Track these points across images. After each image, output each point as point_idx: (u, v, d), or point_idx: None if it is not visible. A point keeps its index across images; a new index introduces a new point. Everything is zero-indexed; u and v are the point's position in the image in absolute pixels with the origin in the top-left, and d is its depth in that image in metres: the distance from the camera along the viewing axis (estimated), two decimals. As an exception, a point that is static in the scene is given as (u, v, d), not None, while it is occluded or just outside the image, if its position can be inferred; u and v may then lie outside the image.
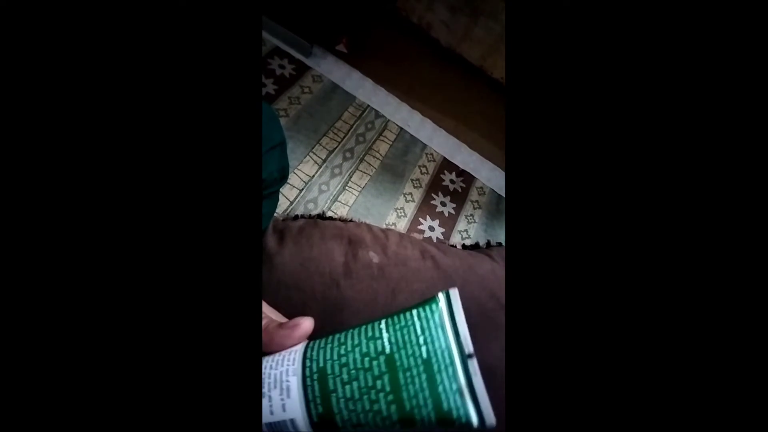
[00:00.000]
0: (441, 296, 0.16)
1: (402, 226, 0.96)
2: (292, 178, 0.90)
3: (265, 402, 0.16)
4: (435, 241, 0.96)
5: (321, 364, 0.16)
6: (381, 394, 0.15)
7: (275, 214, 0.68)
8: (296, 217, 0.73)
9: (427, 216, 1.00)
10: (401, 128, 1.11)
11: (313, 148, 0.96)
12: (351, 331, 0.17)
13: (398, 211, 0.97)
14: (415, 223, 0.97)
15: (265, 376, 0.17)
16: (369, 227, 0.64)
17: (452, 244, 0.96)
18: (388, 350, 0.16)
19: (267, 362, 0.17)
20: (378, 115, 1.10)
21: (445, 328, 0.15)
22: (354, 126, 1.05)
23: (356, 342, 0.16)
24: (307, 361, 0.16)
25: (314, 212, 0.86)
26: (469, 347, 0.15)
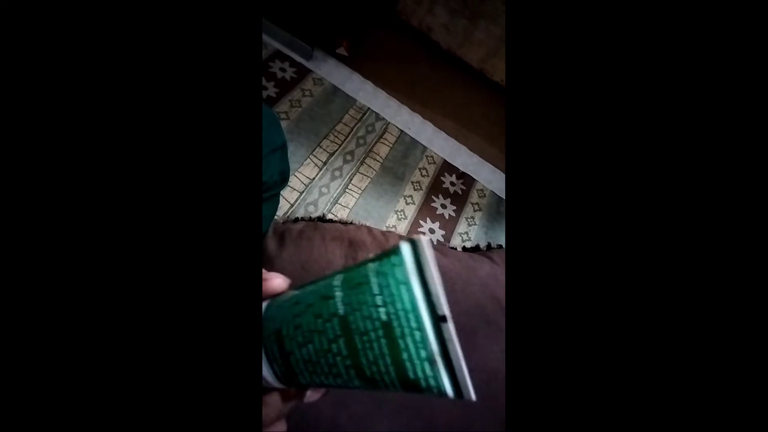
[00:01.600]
0: (405, 247, 0.13)
1: (402, 228, 0.96)
2: (293, 181, 0.90)
3: None
4: (435, 243, 0.96)
5: (277, 325, 0.15)
6: (338, 358, 0.14)
7: (275, 217, 0.68)
8: (296, 220, 0.73)
9: (428, 218, 1.00)
10: (402, 131, 1.11)
11: (313, 150, 0.96)
12: (307, 287, 0.16)
13: (399, 213, 0.97)
14: (415, 225, 0.97)
15: None
16: (369, 230, 0.64)
17: (453, 246, 0.96)
18: (341, 311, 0.14)
19: None
20: (378, 117, 1.10)
21: (410, 285, 0.13)
22: (354, 129, 1.05)
23: (309, 301, 0.15)
24: (265, 321, 0.16)
25: (314, 215, 0.86)
26: (442, 308, 0.12)
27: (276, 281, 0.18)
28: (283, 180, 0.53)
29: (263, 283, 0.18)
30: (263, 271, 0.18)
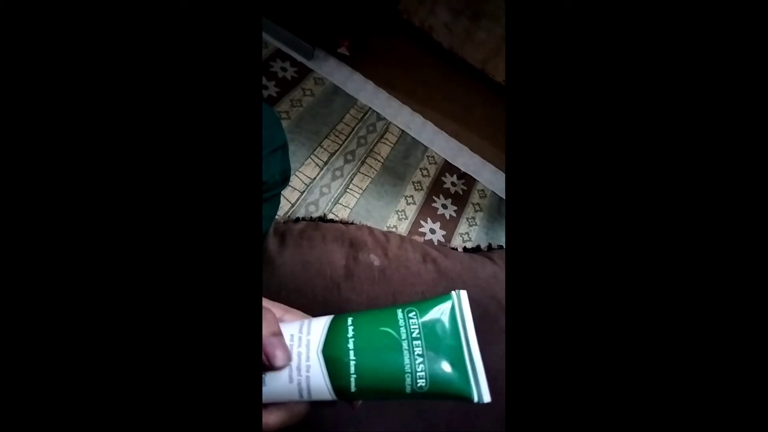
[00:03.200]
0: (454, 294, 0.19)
1: (403, 228, 0.95)
2: (294, 181, 0.90)
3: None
4: (436, 243, 0.96)
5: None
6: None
7: (276, 217, 0.68)
8: (297, 220, 0.73)
9: (429, 218, 1.00)
10: (403, 131, 1.11)
11: (314, 150, 0.96)
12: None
13: (399, 213, 0.97)
14: (416, 225, 0.97)
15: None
16: (370, 230, 0.64)
17: (453, 246, 0.96)
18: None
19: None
20: (379, 117, 1.10)
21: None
22: (355, 128, 1.05)
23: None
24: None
25: (315, 215, 0.86)
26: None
27: (278, 357, 0.18)
28: (284, 180, 0.53)
29: (270, 358, 0.17)
30: (272, 343, 0.18)
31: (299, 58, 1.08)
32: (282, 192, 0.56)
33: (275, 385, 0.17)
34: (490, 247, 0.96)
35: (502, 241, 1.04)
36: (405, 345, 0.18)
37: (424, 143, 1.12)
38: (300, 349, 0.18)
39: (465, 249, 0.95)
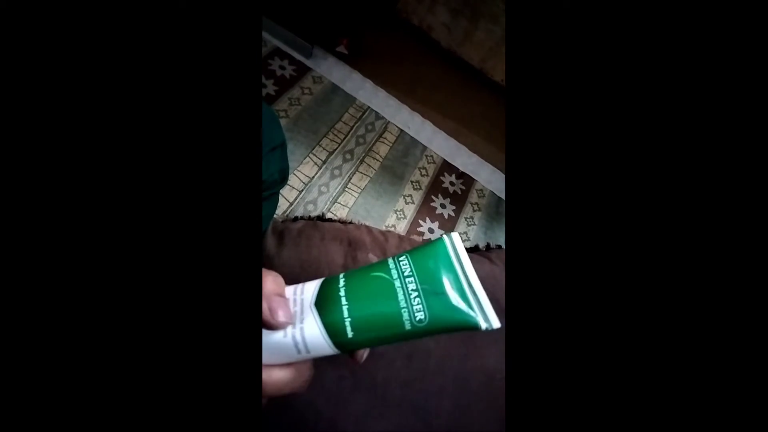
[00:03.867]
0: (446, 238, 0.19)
1: (402, 227, 0.95)
2: (292, 180, 0.90)
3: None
4: (434, 243, 0.96)
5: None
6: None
7: (274, 216, 0.68)
8: (296, 219, 0.73)
9: (427, 218, 1.00)
10: (401, 130, 1.11)
11: (313, 149, 0.96)
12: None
13: (398, 212, 0.97)
14: (414, 225, 0.97)
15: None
16: (369, 229, 0.64)
17: (452, 246, 0.96)
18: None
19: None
20: (378, 116, 1.10)
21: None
22: (354, 127, 1.05)
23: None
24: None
25: (314, 214, 0.86)
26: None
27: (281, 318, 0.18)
28: (283, 179, 0.53)
29: (271, 320, 0.17)
30: (275, 301, 0.18)
31: (298, 56, 1.08)
32: (280, 191, 0.56)
33: (271, 343, 0.17)
34: (488, 246, 0.96)
35: (501, 241, 1.04)
36: (398, 284, 0.17)
37: (423, 142, 1.12)
38: (295, 308, 0.18)
39: (463, 248, 0.95)
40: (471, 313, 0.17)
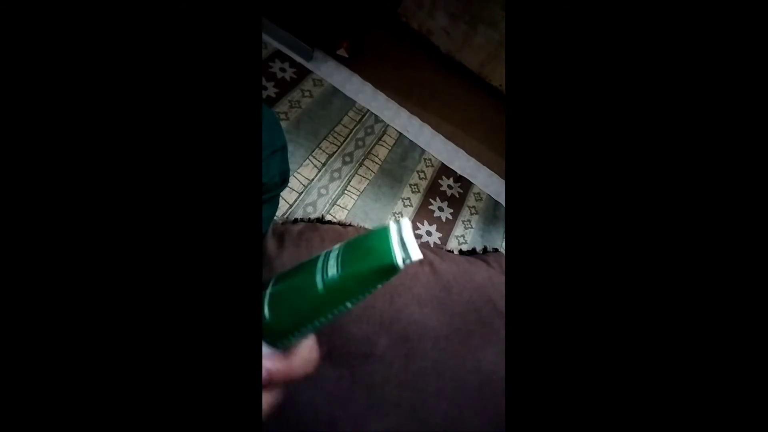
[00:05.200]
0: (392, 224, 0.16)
1: (400, 230, 0.96)
2: (292, 182, 0.90)
3: None
4: (432, 245, 0.97)
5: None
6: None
7: (275, 218, 0.68)
8: (295, 221, 0.74)
9: (425, 221, 1.01)
10: (400, 133, 1.12)
11: (312, 151, 0.96)
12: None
13: (396, 215, 0.98)
14: (412, 228, 0.98)
15: None
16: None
17: (449, 249, 0.97)
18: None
19: None
20: (377, 119, 1.11)
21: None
22: (354, 130, 1.05)
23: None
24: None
25: (313, 216, 0.87)
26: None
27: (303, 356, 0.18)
28: (284, 181, 0.53)
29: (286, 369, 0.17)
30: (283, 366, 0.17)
31: (298, 59, 1.09)
32: (280, 193, 0.56)
33: None
34: (485, 250, 0.97)
35: (497, 244, 1.05)
36: (320, 263, 0.16)
37: (422, 146, 1.13)
38: None
39: (461, 251, 0.96)
40: (385, 252, 0.15)
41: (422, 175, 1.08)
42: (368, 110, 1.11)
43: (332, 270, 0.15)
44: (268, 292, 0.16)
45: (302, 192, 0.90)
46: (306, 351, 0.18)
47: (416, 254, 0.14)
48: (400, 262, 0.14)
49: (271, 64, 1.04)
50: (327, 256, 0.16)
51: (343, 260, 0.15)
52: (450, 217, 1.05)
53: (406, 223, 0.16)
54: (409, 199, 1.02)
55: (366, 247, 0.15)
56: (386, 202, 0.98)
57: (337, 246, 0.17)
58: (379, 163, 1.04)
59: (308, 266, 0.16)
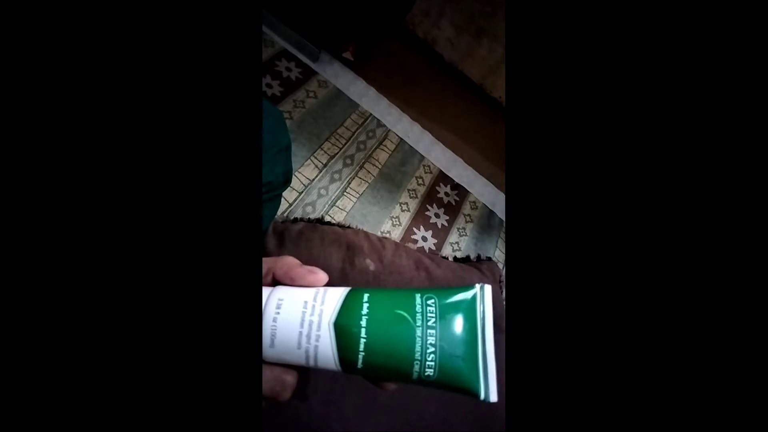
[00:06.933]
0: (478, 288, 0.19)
1: (396, 234, 0.97)
2: (293, 181, 0.91)
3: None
4: (427, 251, 0.98)
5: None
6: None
7: (275, 216, 0.69)
8: (295, 220, 0.74)
9: (421, 226, 1.02)
10: (401, 139, 1.14)
11: (314, 152, 0.97)
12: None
13: (393, 219, 0.99)
14: (408, 232, 0.99)
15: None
16: (366, 235, 0.66)
17: (444, 255, 0.99)
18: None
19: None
20: (380, 124, 1.13)
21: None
22: (356, 133, 1.07)
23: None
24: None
25: (312, 216, 0.88)
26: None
27: (322, 275, 0.19)
28: (287, 180, 0.54)
29: (312, 276, 0.19)
30: (309, 267, 0.19)
31: (305, 59, 1.10)
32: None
33: (283, 349, 0.17)
34: (479, 258, 0.99)
35: (491, 253, 1.07)
36: (419, 332, 0.17)
37: (421, 152, 1.15)
38: (312, 317, 0.18)
39: (455, 258, 0.98)
40: (477, 382, 0.17)
41: (420, 181, 1.10)
42: (371, 114, 1.12)
43: (430, 371, 0.17)
44: (362, 342, 0.17)
45: (302, 192, 0.91)
46: (278, 370, 0.18)
47: (494, 397, 0.17)
48: (482, 396, 0.17)
49: (277, 62, 1.05)
50: (424, 316, 0.18)
51: (441, 364, 0.17)
52: (446, 224, 1.06)
53: (491, 352, 0.18)
54: (406, 203, 1.04)
55: (462, 371, 0.17)
56: (384, 206, 1.00)
57: (433, 308, 0.18)
58: (379, 167, 1.05)
59: (408, 336, 0.17)
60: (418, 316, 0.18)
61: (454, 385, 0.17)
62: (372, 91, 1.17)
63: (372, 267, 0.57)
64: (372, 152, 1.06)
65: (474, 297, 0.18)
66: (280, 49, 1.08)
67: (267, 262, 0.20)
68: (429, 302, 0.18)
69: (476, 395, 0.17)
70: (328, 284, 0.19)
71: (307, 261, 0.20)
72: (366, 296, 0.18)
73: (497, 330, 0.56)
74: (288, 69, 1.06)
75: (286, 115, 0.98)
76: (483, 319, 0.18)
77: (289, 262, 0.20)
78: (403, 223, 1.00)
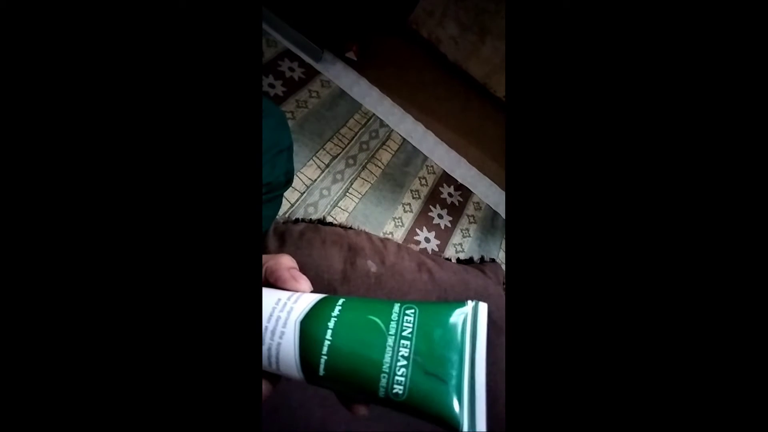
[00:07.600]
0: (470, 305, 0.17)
1: (399, 235, 0.97)
2: (295, 181, 0.91)
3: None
4: (430, 252, 0.97)
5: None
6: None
7: (276, 217, 0.69)
8: (297, 221, 0.74)
9: (424, 227, 1.02)
10: (404, 139, 1.13)
11: (317, 152, 0.97)
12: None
13: (396, 220, 0.99)
14: (411, 233, 0.99)
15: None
16: (368, 236, 0.65)
17: (447, 257, 0.98)
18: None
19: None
20: (382, 124, 1.12)
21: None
22: (358, 133, 1.06)
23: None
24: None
25: (314, 216, 0.87)
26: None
27: (306, 286, 0.19)
28: (288, 181, 0.53)
29: (294, 283, 0.18)
30: (297, 272, 0.19)
31: (307, 59, 1.09)
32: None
33: None
34: (482, 259, 0.98)
35: (494, 254, 1.06)
36: (390, 342, 0.15)
37: (425, 153, 1.14)
38: (281, 313, 0.17)
39: (458, 260, 0.97)
40: (450, 409, 0.15)
41: (423, 181, 1.09)
42: (374, 114, 1.12)
43: (398, 388, 0.15)
44: (327, 345, 0.16)
45: (304, 192, 0.91)
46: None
47: (482, 426, 0.14)
48: (464, 428, 0.15)
49: (280, 62, 1.05)
50: (400, 325, 0.16)
51: (413, 381, 0.15)
52: (449, 225, 1.05)
53: (481, 372, 0.15)
54: (409, 204, 1.03)
55: (432, 392, 0.15)
56: (387, 206, 0.99)
57: (411, 318, 0.16)
58: (382, 167, 1.04)
59: (378, 344, 0.15)
60: (393, 324, 0.16)
61: (426, 410, 0.15)
62: (375, 91, 1.17)
63: (374, 268, 0.56)
64: (375, 152, 1.06)
65: (465, 316, 0.16)
66: (283, 48, 1.07)
67: (263, 259, 0.20)
68: (408, 312, 0.16)
69: (454, 426, 0.15)
70: (329, 288, 0.19)
71: (308, 262, 0.19)
72: (341, 301, 0.17)
73: (501, 333, 0.55)
74: (291, 69, 1.06)
75: (288, 115, 0.98)
76: (474, 338, 0.16)
77: (282, 262, 0.19)
78: (406, 224, 0.99)
